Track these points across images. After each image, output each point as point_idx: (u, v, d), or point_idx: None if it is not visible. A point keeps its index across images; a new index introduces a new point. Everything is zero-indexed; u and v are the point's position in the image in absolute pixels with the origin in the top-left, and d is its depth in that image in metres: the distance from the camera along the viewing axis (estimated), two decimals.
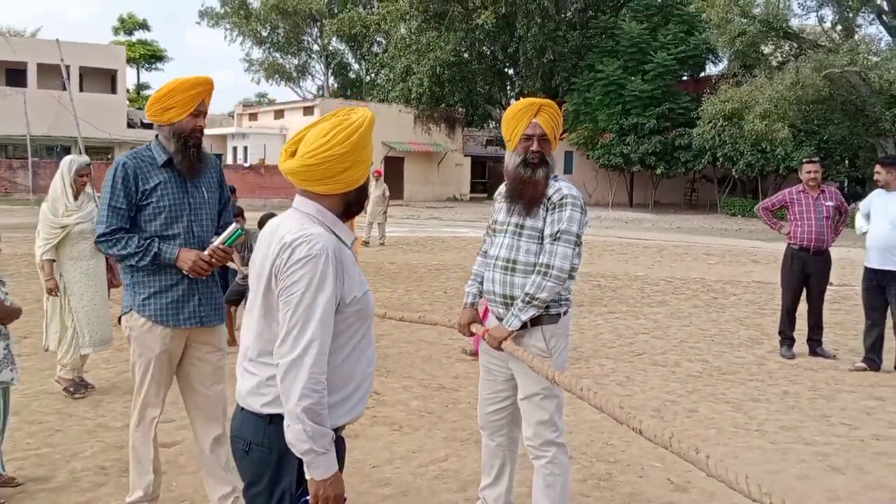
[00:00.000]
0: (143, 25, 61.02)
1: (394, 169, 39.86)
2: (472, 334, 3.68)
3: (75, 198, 5.50)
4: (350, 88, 56.20)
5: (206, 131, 3.89)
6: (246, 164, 38.93)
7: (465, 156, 45.09)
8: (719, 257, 16.89)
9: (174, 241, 3.47)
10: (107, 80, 41.36)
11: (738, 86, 27.30)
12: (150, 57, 60.39)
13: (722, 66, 35.35)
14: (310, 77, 57.15)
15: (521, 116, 3.40)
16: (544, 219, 3.38)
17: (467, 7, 35.63)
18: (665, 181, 37.65)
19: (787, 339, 7.47)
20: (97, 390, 5.73)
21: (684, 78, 36.68)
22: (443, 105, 39.72)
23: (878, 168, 7.09)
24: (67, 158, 5.61)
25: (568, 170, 40.15)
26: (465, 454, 4.65)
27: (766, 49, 31.07)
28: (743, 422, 5.39)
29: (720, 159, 32.46)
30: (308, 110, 41.53)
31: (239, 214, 7.35)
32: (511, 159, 3.45)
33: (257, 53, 55.33)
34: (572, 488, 3.81)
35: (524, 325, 3.38)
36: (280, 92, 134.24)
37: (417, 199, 40.58)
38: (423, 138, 40.65)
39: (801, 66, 25.49)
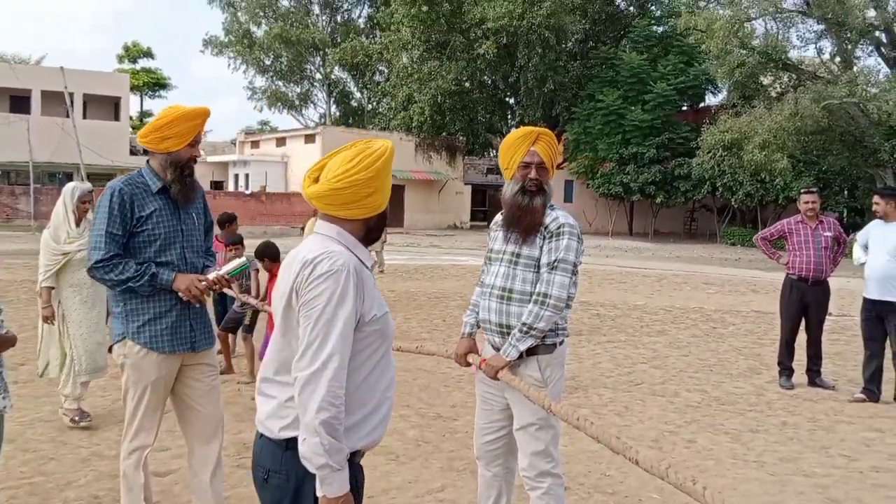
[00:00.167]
0: (148, 53, 61.64)
1: (394, 197, 39.33)
2: (468, 364, 3.66)
3: (77, 225, 5.50)
4: (352, 117, 56.62)
5: (208, 158, 3.93)
6: (247, 192, 39.06)
7: (466, 184, 45.26)
8: (718, 287, 16.88)
9: (167, 268, 3.49)
10: (110, 107, 41.57)
11: (738, 116, 27.52)
12: (154, 85, 60.81)
13: (721, 96, 35.79)
14: (312, 105, 57.66)
15: (519, 145, 3.43)
16: (541, 247, 3.39)
17: (469, 37, 36.03)
18: (665, 210, 37.80)
19: (786, 369, 7.44)
20: (92, 418, 5.69)
21: (684, 108, 37.00)
22: (444, 133, 39.98)
23: (876, 199, 7.09)
24: (70, 185, 5.62)
25: (568, 198, 40.29)
26: (461, 484, 4.62)
27: (766, 80, 31.40)
28: (741, 453, 5.35)
29: (720, 189, 32.61)
30: (310, 138, 41.74)
31: (239, 242, 7.35)
32: (509, 187, 3.47)
33: (260, 82, 55.79)
34: None
35: (520, 355, 3.37)
36: (282, 120, 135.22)
37: (418, 227, 40.65)
38: (424, 166, 40.83)
39: (800, 97, 25.72)
